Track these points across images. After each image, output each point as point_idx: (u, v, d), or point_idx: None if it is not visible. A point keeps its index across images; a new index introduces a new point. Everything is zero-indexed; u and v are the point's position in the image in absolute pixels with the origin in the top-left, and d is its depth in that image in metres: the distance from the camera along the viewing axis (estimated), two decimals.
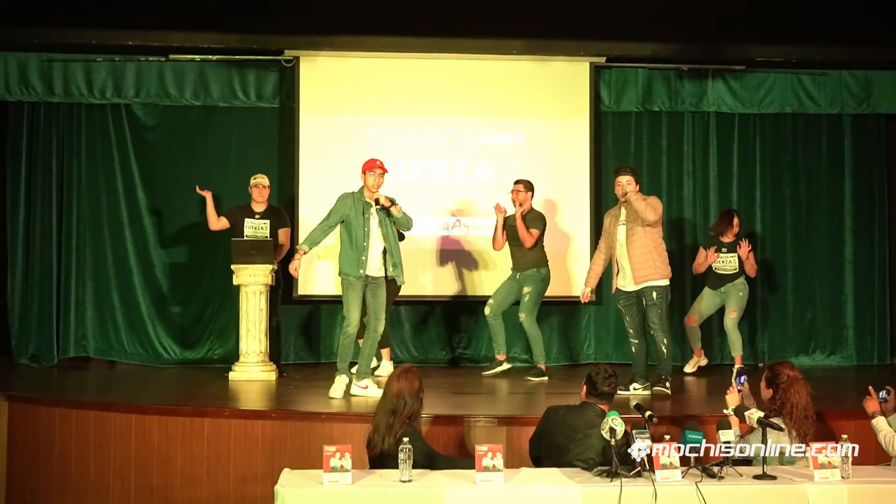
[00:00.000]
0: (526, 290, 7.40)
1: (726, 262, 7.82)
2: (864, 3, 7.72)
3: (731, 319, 7.81)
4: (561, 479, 4.29)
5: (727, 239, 7.85)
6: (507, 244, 7.54)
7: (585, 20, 7.77)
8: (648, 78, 8.76)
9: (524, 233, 7.33)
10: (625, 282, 6.61)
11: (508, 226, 7.48)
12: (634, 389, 6.59)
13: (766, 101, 8.82)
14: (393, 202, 6.31)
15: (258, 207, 7.59)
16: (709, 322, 8.30)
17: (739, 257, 7.79)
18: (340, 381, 6.37)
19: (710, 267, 7.86)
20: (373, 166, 6.34)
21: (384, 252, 6.41)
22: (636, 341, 6.71)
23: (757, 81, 8.80)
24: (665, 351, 6.57)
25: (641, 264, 6.50)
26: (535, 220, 7.44)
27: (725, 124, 8.89)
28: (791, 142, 8.95)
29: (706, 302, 7.96)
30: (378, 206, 6.31)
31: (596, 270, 6.89)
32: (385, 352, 7.59)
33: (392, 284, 6.62)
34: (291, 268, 6.39)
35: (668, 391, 6.54)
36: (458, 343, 8.67)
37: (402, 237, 7.04)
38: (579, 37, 8.10)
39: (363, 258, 6.31)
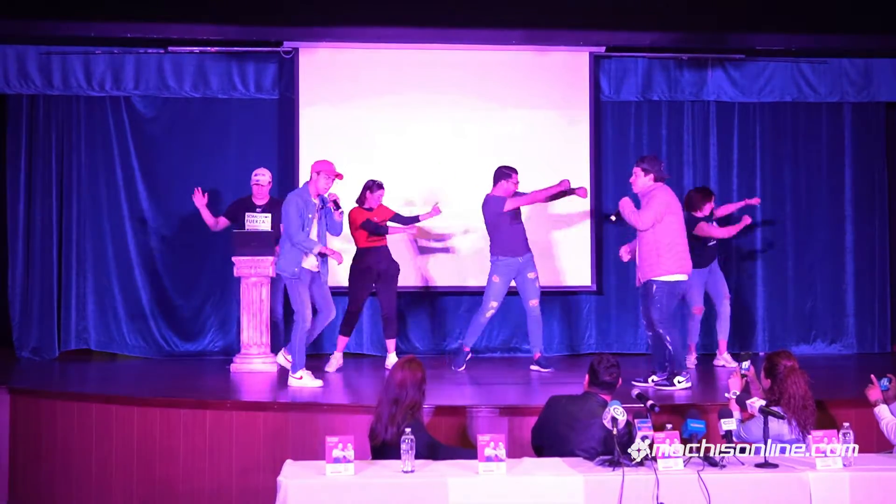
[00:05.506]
0: (532, 274, 7.38)
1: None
2: None
3: (728, 303, 7.77)
4: (563, 469, 4.31)
5: (703, 214, 7.56)
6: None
7: (585, 10, 7.74)
8: (648, 67, 8.74)
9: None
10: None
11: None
12: (653, 382, 6.45)
13: (766, 89, 8.79)
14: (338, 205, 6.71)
15: (259, 201, 7.59)
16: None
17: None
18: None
19: (697, 244, 7.32)
20: (331, 173, 6.64)
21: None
22: (649, 333, 6.60)
23: (757, 70, 8.78)
24: (670, 347, 6.38)
25: (644, 260, 6.39)
26: None
27: (725, 113, 8.86)
28: (791, 130, 8.92)
29: (699, 285, 7.62)
30: (327, 206, 6.66)
31: None
32: (390, 343, 7.56)
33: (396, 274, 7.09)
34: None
35: (680, 386, 6.32)
36: (461, 334, 8.65)
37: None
38: (579, 26, 8.07)
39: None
